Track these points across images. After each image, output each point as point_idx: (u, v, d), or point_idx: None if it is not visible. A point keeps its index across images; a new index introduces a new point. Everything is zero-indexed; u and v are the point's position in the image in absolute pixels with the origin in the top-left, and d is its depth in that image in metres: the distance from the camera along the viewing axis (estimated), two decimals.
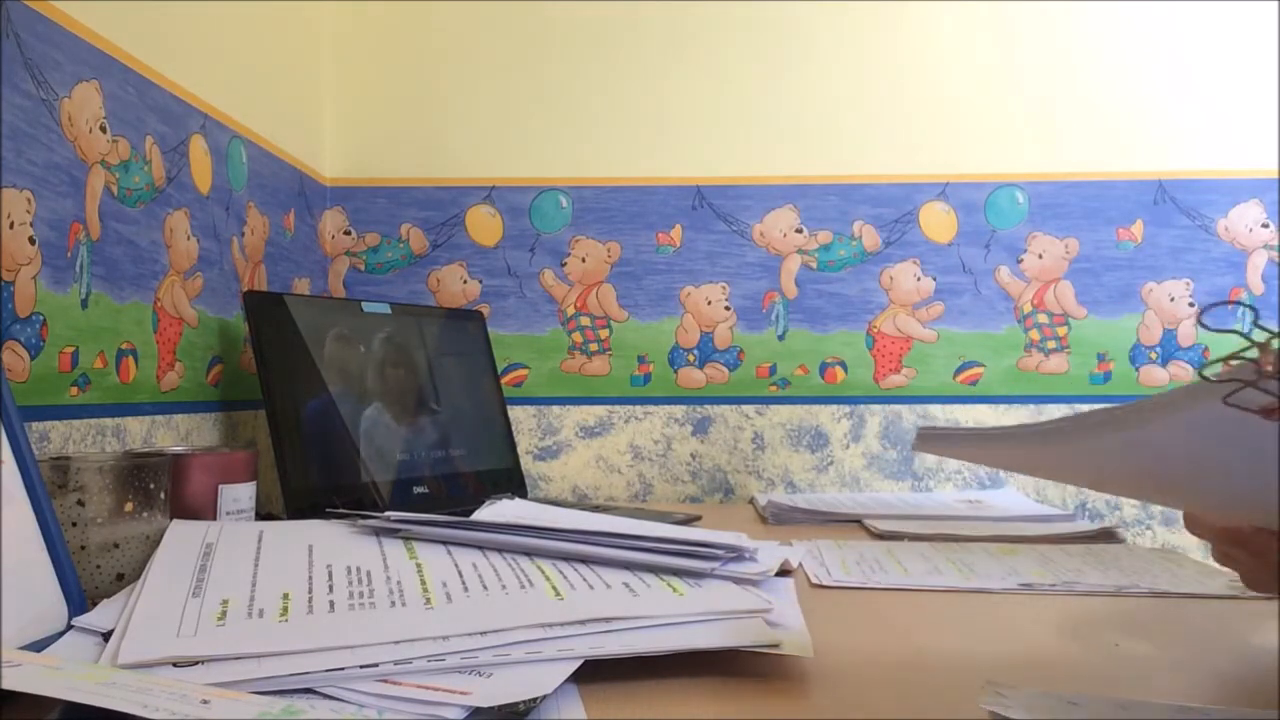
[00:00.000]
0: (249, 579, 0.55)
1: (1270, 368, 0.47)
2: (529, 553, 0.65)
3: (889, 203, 1.35)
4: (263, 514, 0.89)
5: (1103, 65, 1.34)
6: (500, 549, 0.66)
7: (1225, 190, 1.33)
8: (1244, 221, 1.33)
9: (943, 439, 0.56)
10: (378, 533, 0.69)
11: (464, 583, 0.57)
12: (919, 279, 1.35)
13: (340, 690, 0.42)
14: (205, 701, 0.36)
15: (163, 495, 0.64)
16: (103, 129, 0.82)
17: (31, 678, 0.37)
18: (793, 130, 1.36)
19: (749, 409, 1.35)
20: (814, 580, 0.74)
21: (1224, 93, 1.33)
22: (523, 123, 1.36)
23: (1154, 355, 1.34)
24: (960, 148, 1.35)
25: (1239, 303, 1.32)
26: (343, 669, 0.43)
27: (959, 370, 1.35)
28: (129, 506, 0.60)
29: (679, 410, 1.35)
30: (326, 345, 1.02)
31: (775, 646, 0.49)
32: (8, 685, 0.36)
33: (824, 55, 1.36)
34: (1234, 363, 0.46)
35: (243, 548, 0.61)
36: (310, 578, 0.56)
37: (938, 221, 1.35)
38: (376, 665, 0.44)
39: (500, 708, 0.40)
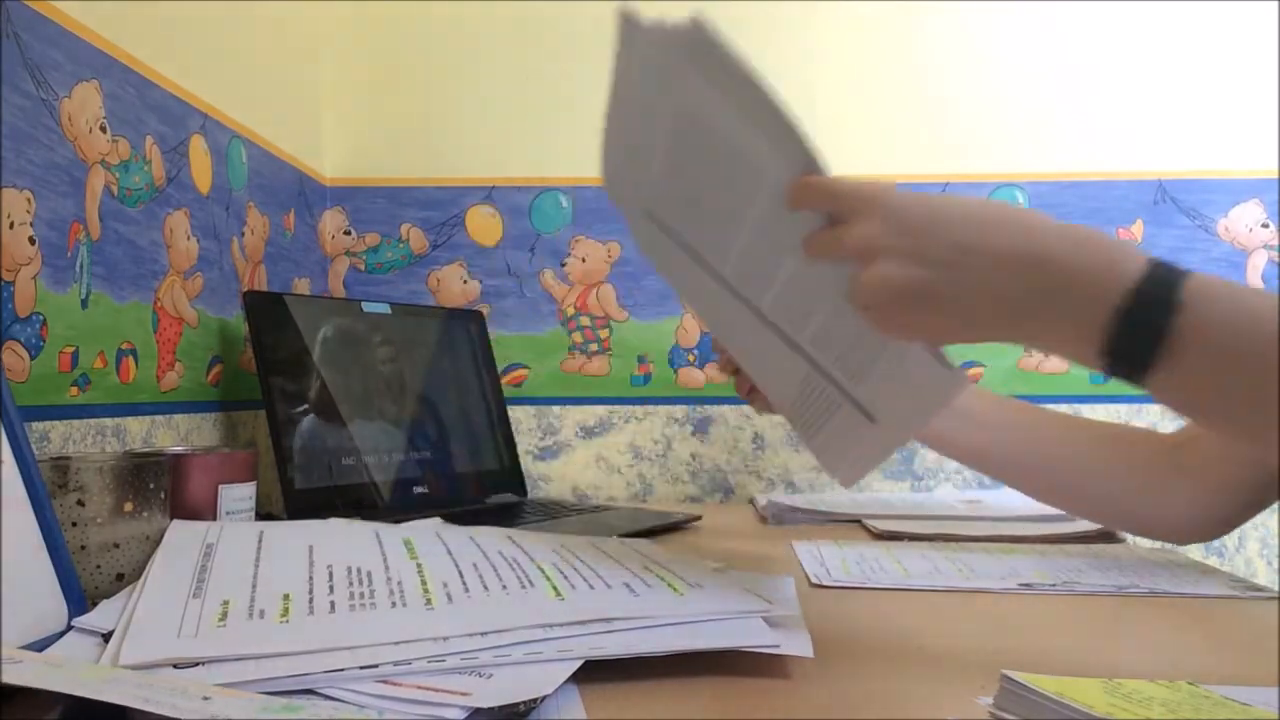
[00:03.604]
0: (249, 580, 0.55)
1: None
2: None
3: None
4: (263, 514, 0.89)
5: (1102, 65, 1.34)
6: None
7: (1225, 190, 1.33)
8: (1244, 221, 1.33)
9: None
10: (378, 533, 0.69)
11: (464, 583, 0.57)
12: None
13: (341, 691, 0.42)
14: (206, 698, 0.36)
15: (163, 495, 0.64)
16: (103, 129, 0.82)
17: (33, 673, 0.37)
18: None
19: (749, 409, 1.35)
20: (814, 580, 0.74)
21: (1224, 93, 1.33)
22: (523, 123, 1.36)
23: None
24: (960, 148, 1.35)
25: None
26: (343, 670, 0.43)
27: None
28: (129, 506, 0.60)
29: (679, 410, 1.35)
30: (326, 345, 1.02)
31: (775, 646, 0.49)
32: (10, 680, 0.36)
33: (824, 55, 1.36)
34: None
35: (243, 548, 0.61)
36: (311, 578, 0.56)
37: None
38: (377, 666, 0.44)
39: (500, 708, 0.40)
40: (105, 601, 0.54)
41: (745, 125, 0.54)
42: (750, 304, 0.61)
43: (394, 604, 0.52)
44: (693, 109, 0.56)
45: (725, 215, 0.59)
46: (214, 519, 0.74)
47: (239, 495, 0.76)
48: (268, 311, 0.98)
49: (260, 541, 0.63)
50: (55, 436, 0.76)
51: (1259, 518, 1.31)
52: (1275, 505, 0.78)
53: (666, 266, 0.69)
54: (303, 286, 1.27)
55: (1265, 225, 1.33)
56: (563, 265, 1.36)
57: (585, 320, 1.36)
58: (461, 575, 0.58)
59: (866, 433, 0.60)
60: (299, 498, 0.92)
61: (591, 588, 0.57)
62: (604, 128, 0.63)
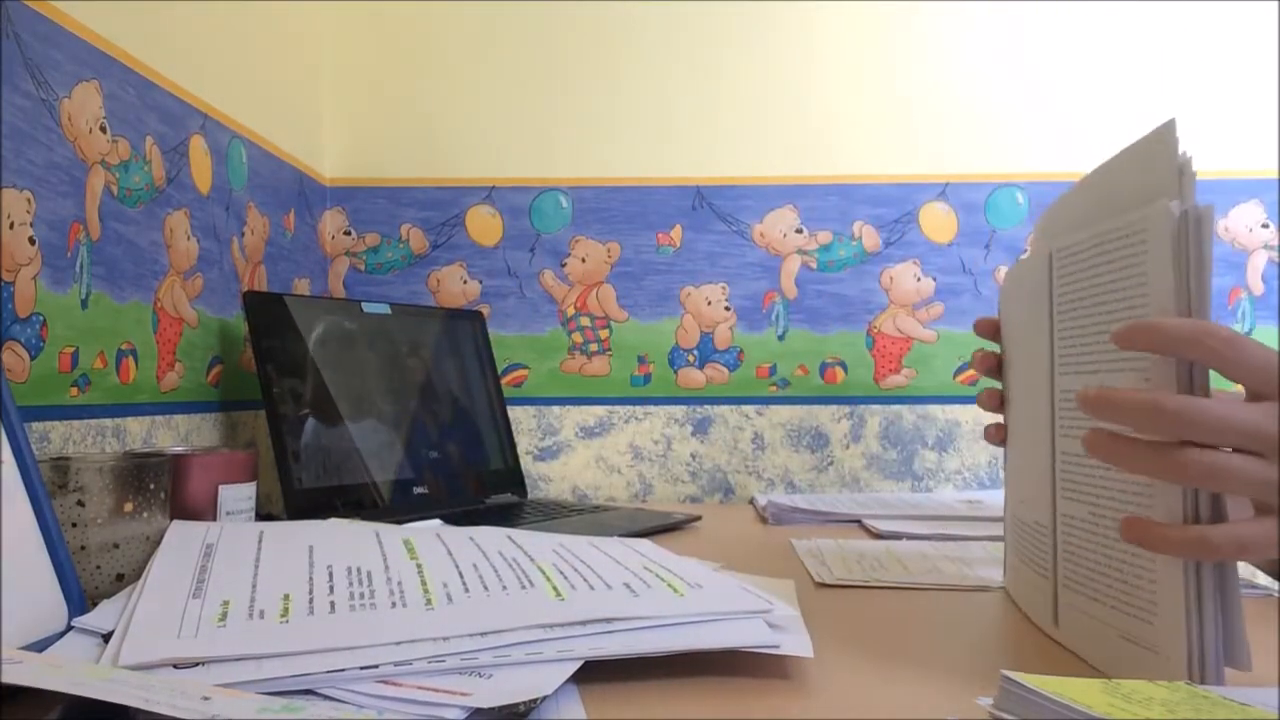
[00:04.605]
0: (249, 580, 0.55)
1: None
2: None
3: (889, 203, 1.35)
4: (263, 514, 0.89)
5: (1103, 64, 1.34)
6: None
7: (1225, 190, 1.33)
8: (1244, 221, 1.33)
9: None
10: (378, 533, 0.69)
11: (464, 583, 0.56)
12: (919, 279, 1.35)
13: (341, 691, 0.42)
14: (206, 698, 0.36)
15: (163, 495, 0.64)
16: (103, 129, 0.82)
17: (33, 673, 0.37)
18: (793, 130, 1.36)
19: (749, 409, 1.35)
20: (815, 580, 0.74)
21: (1223, 93, 1.33)
22: (523, 123, 1.36)
23: None
24: (960, 148, 1.35)
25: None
26: (343, 670, 0.43)
27: (959, 370, 1.35)
28: (129, 506, 0.60)
29: (679, 410, 1.35)
30: (326, 345, 1.02)
31: (775, 647, 0.49)
32: (10, 680, 0.36)
33: (824, 55, 1.36)
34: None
35: (243, 548, 0.61)
36: (311, 579, 0.56)
37: (938, 221, 1.35)
38: (377, 666, 0.44)
39: (500, 708, 0.40)
40: (105, 601, 0.54)
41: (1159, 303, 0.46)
42: (1053, 425, 0.57)
43: (394, 604, 0.52)
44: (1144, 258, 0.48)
45: (1088, 340, 0.53)
46: (214, 519, 0.74)
47: (239, 495, 0.76)
48: (268, 311, 0.98)
49: (260, 541, 0.63)
50: (55, 436, 0.76)
51: None
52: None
53: (1012, 295, 0.64)
54: (303, 287, 1.27)
55: (1265, 225, 1.33)
56: (563, 265, 1.36)
57: (585, 320, 1.36)
58: (461, 575, 0.58)
59: (1046, 623, 0.59)
60: (299, 498, 0.92)
61: (591, 588, 0.57)
62: (1100, 169, 0.56)
